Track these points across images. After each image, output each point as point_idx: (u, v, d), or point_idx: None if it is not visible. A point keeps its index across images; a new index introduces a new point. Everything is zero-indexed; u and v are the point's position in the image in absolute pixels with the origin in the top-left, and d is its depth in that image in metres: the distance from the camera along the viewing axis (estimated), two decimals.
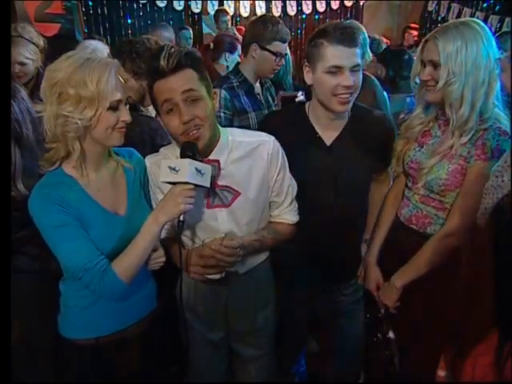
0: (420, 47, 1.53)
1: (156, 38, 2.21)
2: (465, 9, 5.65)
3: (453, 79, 1.41)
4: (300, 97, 2.40)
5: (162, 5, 5.47)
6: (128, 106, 1.35)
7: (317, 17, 6.35)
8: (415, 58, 1.59)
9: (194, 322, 1.57)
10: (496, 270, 0.89)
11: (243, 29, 4.14)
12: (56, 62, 1.24)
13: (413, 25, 5.88)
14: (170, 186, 1.29)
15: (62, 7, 4.53)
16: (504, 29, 5.12)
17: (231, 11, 5.74)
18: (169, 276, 1.50)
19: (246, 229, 1.46)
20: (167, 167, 1.25)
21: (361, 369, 2.00)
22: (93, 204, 1.31)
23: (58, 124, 1.22)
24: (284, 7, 6.07)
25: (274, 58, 2.20)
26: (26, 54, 2.28)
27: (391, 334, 1.73)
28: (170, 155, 1.42)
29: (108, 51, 2.50)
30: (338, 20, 5.08)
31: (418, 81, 1.58)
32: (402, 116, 2.18)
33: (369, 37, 2.82)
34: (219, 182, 1.40)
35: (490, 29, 1.48)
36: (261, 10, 5.83)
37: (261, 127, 1.72)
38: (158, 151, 1.50)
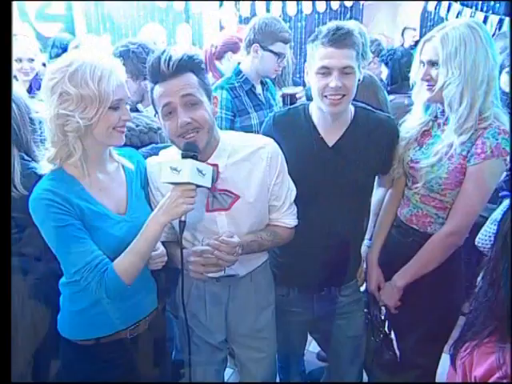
0: (419, 47, 1.54)
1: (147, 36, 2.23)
2: (464, 9, 5.66)
3: (452, 79, 1.42)
4: (301, 92, 2.40)
5: (161, 5, 5.47)
6: (129, 108, 1.35)
7: (317, 17, 6.35)
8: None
9: (193, 326, 1.57)
10: None
11: (243, 27, 4.15)
12: (56, 62, 1.24)
13: (411, 25, 5.89)
14: (169, 188, 1.29)
15: (61, 7, 4.52)
16: (503, 29, 5.12)
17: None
18: (169, 276, 1.51)
19: (245, 232, 1.46)
20: (168, 167, 1.25)
21: (361, 369, 2.00)
22: (94, 204, 1.31)
23: (58, 124, 1.22)
24: (284, 7, 6.06)
25: (276, 58, 2.20)
26: (34, 50, 2.31)
27: (392, 335, 1.74)
28: (169, 158, 1.42)
29: (108, 50, 2.51)
30: (338, 20, 5.08)
31: (417, 81, 1.58)
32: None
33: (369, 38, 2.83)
34: (218, 186, 1.41)
35: (490, 29, 1.49)
36: (261, 10, 5.82)
37: (265, 127, 1.73)
38: (157, 152, 1.50)
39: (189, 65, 1.30)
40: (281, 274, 1.71)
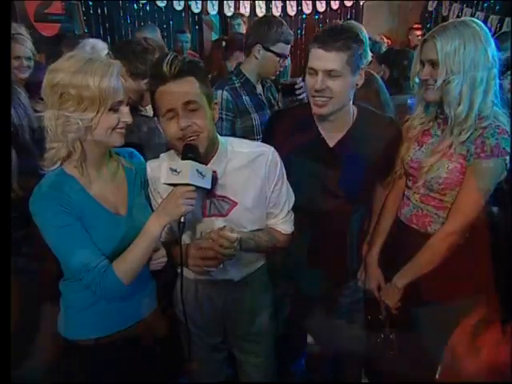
0: (419, 47, 1.54)
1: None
2: (465, 9, 5.66)
3: (451, 78, 1.42)
4: (300, 83, 2.39)
5: (162, 5, 5.46)
6: (128, 107, 1.35)
7: (317, 17, 6.35)
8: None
9: (191, 327, 1.57)
10: None
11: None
12: (57, 62, 1.24)
13: (416, 25, 5.88)
14: (169, 190, 1.29)
15: (62, 7, 4.53)
16: (504, 29, 5.12)
17: (231, 11, 5.73)
18: (168, 276, 1.51)
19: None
20: (168, 169, 1.26)
21: (361, 369, 2.00)
22: (94, 204, 1.31)
23: (58, 124, 1.22)
24: (284, 7, 6.06)
25: (278, 59, 2.20)
26: (31, 49, 2.32)
27: (393, 335, 1.74)
28: (170, 161, 1.42)
29: (107, 50, 2.51)
30: (338, 20, 5.08)
31: (417, 80, 1.58)
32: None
33: (369, 38, 2.82)
34: (216, 192, 1.41)
35: (490, 29, 1.49)
36: (261, 10, 5.82)
37: (267, 127, 1.73)
38: (156, 151, 1.50)
39: (191, 69, 1.30)
40: (281, 273, 1.71)
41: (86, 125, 1.22)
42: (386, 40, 4.53)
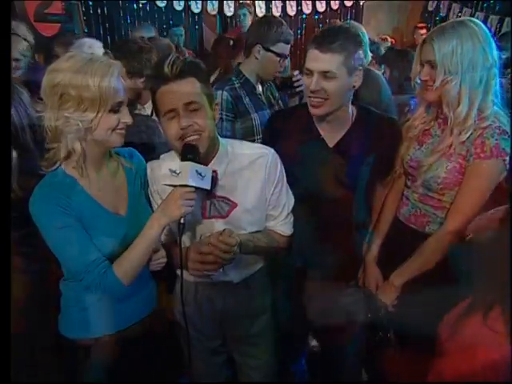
0: (418, 48, 1.54)
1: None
2: (464, 9, 5.66)
3: (449, 78, 1.43)
4: (297, 76, 2.39)
5: (161, 5, 5.46)
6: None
7: (317, 17, 6.35)
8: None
9: (191, 330, 1.57)
10: None
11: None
12: (57, 62, 1.24)
13: (420, 24, 5.88)
14: (169, 191, 1.29)
15: (61, 7, 4.52)
16: (504, 29, 5.12)
17: (231, 11, 5.73)
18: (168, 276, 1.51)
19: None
20: (168, 170, 1.26)
21: (362, 367, 2.01)
22: (94, 204, 1.31)
23: (58, 124, 1.22)
24: (284, 7, 6.06)
25: (278, 59, 2.20)
26: (20, 50, 2.30)
27: (391, 334, 1.74)
28: (169, 162, 1.42)
29: (103, 50, 2.50)
30: (337, 20, 5.08)
31: (418, 81, 1.59)
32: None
33: (369, 39, 2.82)
34: (217, 193, 1.41)
35: (490, 29, 1.49)
36: (261, 10, 5.82)
37: (266, 127, 1.73)
38: (155, 150, 1.50)
39: (192, 70, 1.30)
40: (281, 273, 1.71)
41: (86, 126, 1.22)
42: (389, 39, 4.54)
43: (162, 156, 1.49)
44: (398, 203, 1.73)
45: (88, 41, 2.63)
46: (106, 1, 5.18)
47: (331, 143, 1.62)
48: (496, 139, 1.42)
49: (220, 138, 1.46)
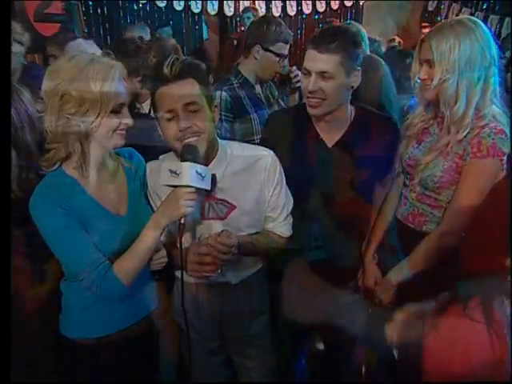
0: (417, 47, 1.55)
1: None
2: (464, 9, 5.65)
3: (447, 76, 1.43)
4: (295, 72, 2.39)
5: (161, 5, 5.47)
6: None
7: (317, 17, 6.35)
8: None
9: (190, 331, 1.57)
10: None
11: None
12: (58, 62, 1.24)
13: (424, 23, 5.89)
14: (168, 192, 1.29)
15: (61, 7, 4.52)
16: (504, 28, 5.12)
17: (231, 11, 5.73)
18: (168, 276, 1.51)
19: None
20: (168, 170, 1.25)
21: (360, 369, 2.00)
22: (94, 205, 1.31)
23: (59, 125, 1.21)
24: (284, 7, 6.06)
25: (278, 59, 2.20)
26: (12, 49, 2.29)
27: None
28: (169, 162, 1.42)
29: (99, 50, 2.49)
30: (336, 20, 5.08)
31: (418, 80, 1.59)
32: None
33: (369, 38, 2.82)
34: (215, 195, 1.41)
35: (490, 29, 1.49)
36: (261, 9, 5.82)
37: (265, 127, 1.73)
38: (155, 148, 1.50)
39: (191, 71, 1.31)
40: (281, 273, 1.71)
41: (86, 127, 1.22)
42: (397, 39, 4.55)
43: (161, 157, 1.49)
44: (397, 202, 1.73)
45: (82, 43, 2.61)
46: (106, 1, 5.18)
47: (330, 143, 1.62)
48: (493, 139, 1.42)
49: (219, 140, 1.46)
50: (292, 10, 6.14)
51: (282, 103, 2.52)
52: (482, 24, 1.46)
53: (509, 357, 0.89)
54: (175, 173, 1.25)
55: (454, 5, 5.83)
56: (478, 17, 5.28)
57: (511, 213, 0.94)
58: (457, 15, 5.71)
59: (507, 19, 5.11)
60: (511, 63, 2.72)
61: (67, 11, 4.58)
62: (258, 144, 1.86)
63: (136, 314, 1.45)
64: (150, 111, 1.95)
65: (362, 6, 6.51)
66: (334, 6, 6.38)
